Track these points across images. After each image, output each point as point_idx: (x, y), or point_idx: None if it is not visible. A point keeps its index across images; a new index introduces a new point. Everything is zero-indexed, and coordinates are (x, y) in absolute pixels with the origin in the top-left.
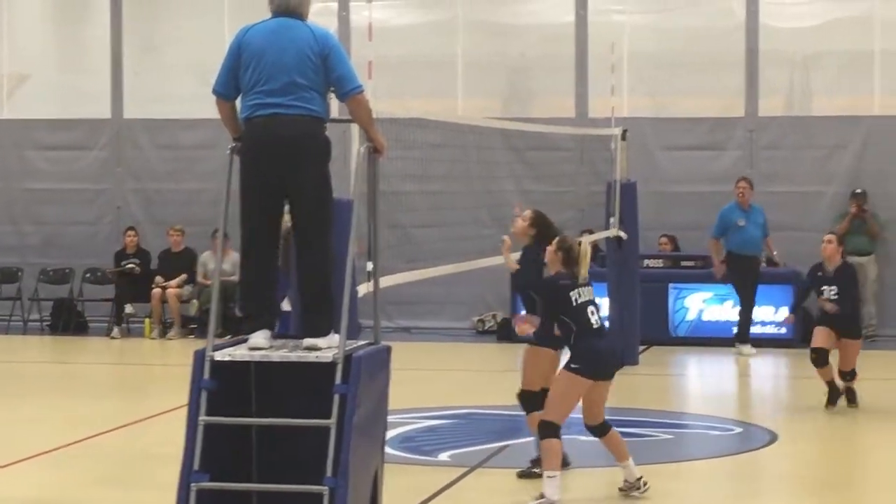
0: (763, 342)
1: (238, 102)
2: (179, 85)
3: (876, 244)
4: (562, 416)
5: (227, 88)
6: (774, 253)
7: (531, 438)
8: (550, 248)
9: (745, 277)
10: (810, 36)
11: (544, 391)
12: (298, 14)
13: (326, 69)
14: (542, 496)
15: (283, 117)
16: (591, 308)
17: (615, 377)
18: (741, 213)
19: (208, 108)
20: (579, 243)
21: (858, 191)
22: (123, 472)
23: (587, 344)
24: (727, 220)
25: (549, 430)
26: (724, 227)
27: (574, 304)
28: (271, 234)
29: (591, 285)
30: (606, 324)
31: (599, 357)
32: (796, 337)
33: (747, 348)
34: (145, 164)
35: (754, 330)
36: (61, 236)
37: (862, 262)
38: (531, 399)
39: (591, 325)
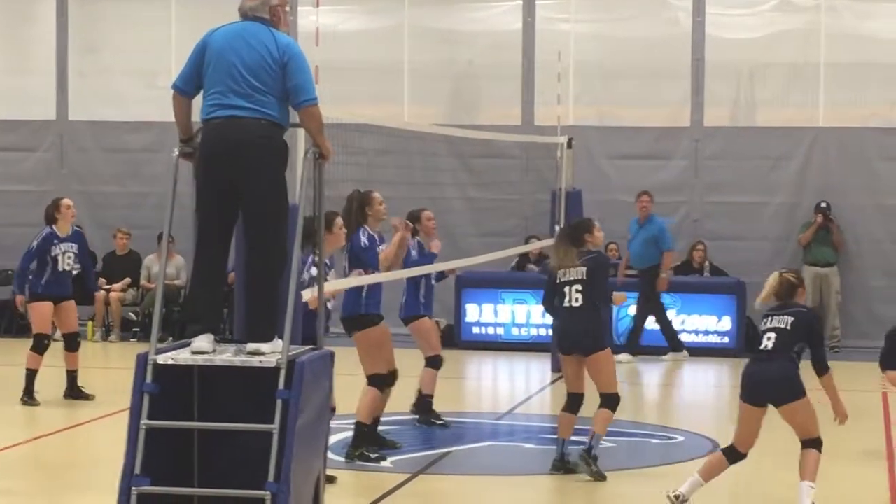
0: (705, 351)
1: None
2: (125, 87)
3: (839, 255)
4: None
5: (187, 85)
6: (663, 275)
7: (473, 445)
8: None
9: (641, 290)
10: (756, 47)
11: None
12: (264, 19)
13: (284, 76)
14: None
15: (240, 120)
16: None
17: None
18: (635, 226)
19: (154, 111)
20: None
21: (823, 203)
22: (64, 476)
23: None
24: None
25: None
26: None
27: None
28: (223, 236)
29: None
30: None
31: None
32: (738, 346)
33: (677, 354)
34: (90, 167)
35: (696, 339)
36: (4, 237)
37: (826, 272)
38: None
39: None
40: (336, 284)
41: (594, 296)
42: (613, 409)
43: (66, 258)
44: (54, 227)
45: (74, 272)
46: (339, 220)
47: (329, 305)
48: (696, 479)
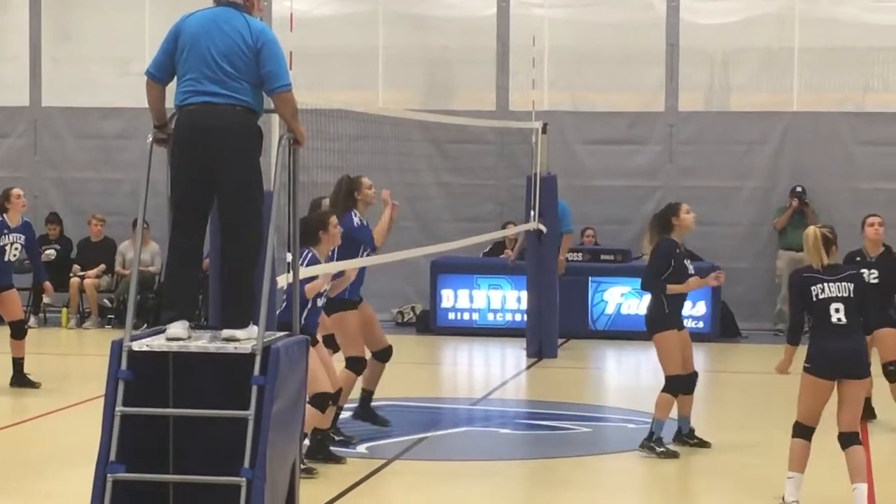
0: None
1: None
2: (99, 73)
3: None
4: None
5: (160, 71)
6: (561, 258)
7: (449, 430)
8: None
9: None
10: (730, 32)
11: None
12: (238, 5)
13: (258, 63)
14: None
15: (214, 106)
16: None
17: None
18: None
19: (128, 98)
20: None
21: (799, 188)
22: (37, 462)
23: None
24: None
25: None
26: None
27: None
28: (198, 223)
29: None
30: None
31: None
32: (713, 331)
33: None
34: (64, 153)
35: None
36: None
37: (801, 257)
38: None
39: None
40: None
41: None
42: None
43: (13, 249)
44: (5, 216)
45: (20, 262)
46: (334, 219)
47: (320, 302)
48: (795, 478)
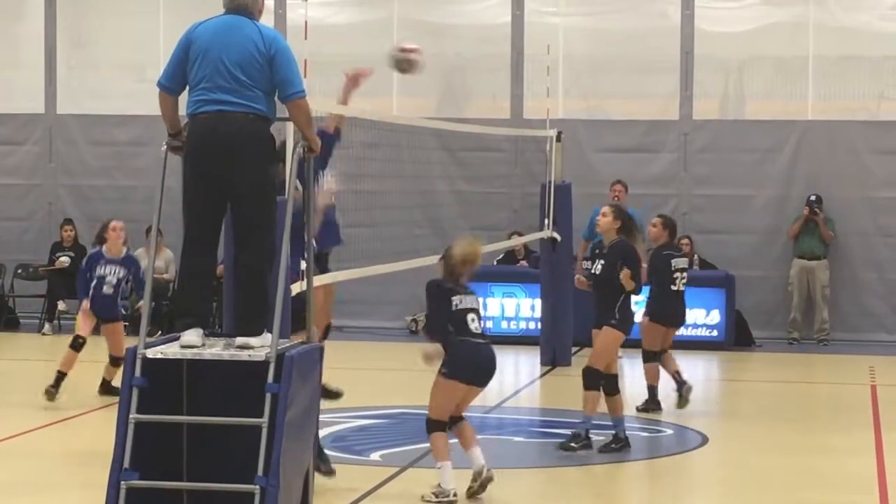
0: (694, 345)
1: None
2: (114, 81)
3: (828, 248)
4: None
5: (172, 82)
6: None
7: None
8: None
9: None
10: (745, 40)
11: None
12: (249, 13)
13: (271, 70)
14: (438, 486)
15: (228, 114)
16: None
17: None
18: None
19: (142, 105)
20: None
21: (813, 197)
22: (51, 470)
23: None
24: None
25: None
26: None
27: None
28: (212, 231)
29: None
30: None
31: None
32: (727, 339)
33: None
34: (78, 160)
35: (685, 332)
36: None
37: (813, 265)
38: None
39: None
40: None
41: None
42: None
43: (110, 281)
44: (103, 248)
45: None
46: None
47: None
48: None
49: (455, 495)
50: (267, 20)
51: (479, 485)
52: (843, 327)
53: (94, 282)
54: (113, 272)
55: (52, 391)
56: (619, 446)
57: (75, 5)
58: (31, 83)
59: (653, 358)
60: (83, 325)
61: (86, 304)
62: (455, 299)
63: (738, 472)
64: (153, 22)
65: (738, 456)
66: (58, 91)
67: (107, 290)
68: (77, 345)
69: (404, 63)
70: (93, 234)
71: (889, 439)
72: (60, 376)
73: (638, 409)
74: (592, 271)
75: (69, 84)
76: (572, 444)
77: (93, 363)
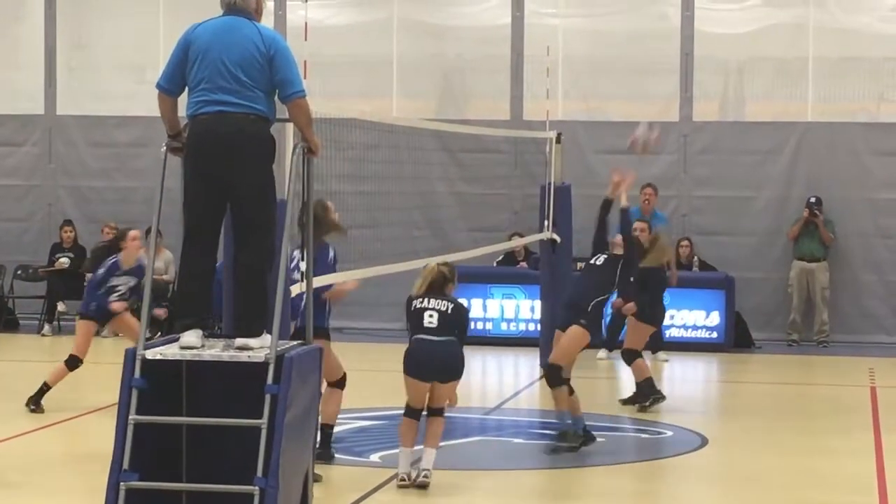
0: (693, 346)
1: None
2: (113, 82)
3: (827, 250)
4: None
5: (171, 84)
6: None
7: (461, 440)
8: None
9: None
10: (745, 42)
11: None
12: (248, 13)
13: (271, 70)
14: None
15: (228, 115)
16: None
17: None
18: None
19: (142, 106)
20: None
21: (813, 199)
22: (51, 471)
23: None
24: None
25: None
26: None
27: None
28: (212, 231)
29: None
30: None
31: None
32: (727, 341)
33: (662, 354)
34: (78, 161)
35: (685, 334)
36: None
37: (812, 267)
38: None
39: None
40: (325, 280)
41: None
42: None
43: (121, 290)
44: (119, 257)
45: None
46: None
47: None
48: None
49: (403, 479)
50: (267, 21)
51: (412, 482)
52: (843, 329)
53: (103, 290)
54: (125, 283)
55: (33, 407)
56: (571, 445)
57: (75, 6)
58: (30, 84)
59: (637, 355)
60: (82, 343)
61: (92, 326)
62: (416, 301)
63: (738, 474)
64: (153, 23)
65: (738, 457)
66: (57, 92)
67: (115, 298)
68: (73, 365)
69: (649, 146)
70: (93, 236)
71: (889, 441)
72: (45, 388)
73: (640, 409)
74: (593, 261)
75: (69, 85)
76: (560, 445)
77: (93, 363)
